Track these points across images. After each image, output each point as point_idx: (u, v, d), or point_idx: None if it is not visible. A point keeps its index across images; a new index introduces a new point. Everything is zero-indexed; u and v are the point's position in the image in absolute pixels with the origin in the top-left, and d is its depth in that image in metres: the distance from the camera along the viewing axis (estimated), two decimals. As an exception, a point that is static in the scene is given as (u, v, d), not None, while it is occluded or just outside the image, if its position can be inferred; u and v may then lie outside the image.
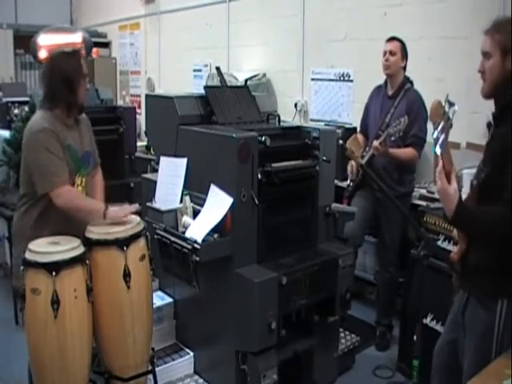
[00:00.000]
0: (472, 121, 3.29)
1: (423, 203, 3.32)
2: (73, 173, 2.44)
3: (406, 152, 3.29)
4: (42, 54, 5.98)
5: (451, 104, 1.69)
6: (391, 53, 3.35)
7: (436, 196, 3.35)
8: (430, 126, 3.30)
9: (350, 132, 3.86)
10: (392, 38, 3.40)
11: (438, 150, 1.70)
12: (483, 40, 1.84)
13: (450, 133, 1.71)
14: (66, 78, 2.40)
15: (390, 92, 3.43)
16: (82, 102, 2.49)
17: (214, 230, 2.44)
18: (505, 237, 1.71)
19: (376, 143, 3.20)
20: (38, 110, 2.51)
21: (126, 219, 2.41)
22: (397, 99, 3.36)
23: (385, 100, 3.44)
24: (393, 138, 3.17)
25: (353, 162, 3.42)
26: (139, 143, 5.15)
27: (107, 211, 2.36)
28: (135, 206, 2.51)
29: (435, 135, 1.69)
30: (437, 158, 1.80)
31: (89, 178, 2.60)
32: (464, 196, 1.89)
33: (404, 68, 3.40)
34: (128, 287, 2.29)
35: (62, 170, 2.34)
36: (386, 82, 3.48)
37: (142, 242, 2.41)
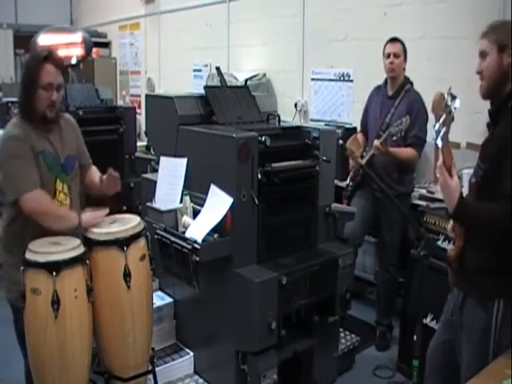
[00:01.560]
0: (472, 121, 3.29)
1: (423, 203, 3.33)
2: (50, 179, 2.31)
3: (407, 152, 3.29)
4: (42, 54, 5.98)
5: (453, 97, 1.68)
6: (395, 55, 3.32)
7: (436, 196, 3.36)
8: (429, 126, 3.33)
9: (350, 132, 3.86)
10: (394, 40, 3.38)
11: (440, 143, 1.70)
12: (480, 42, 1.86)
13: (450, 127, 1.70)
14: (21, 89, 2.30)
15: (390, 92, 3.43)
16: (41, 114, 2.28)
17: (214, 230, 2.44)
18: (504, 232, 1.71)
19: (377, 143, 3.20)
20: (14, 116, 2.38)
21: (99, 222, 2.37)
22: (397, 99, 3.36)
23: (385, 100, 3.45)
24: (394, 138, 3.17)
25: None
26: (139, 143, 5.14)
27: (81, 220, 2.28)
28: (105, 211, 2.41)
29: (437, 127, 1.69)
30: (437, 153, 1.80)
31: (74, 184, 2.45)
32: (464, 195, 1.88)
33: (404, 69, 3.41)
34: (128, 287, 2.29)
35: (30, 176, 2.23)
36: (385, 82, 3.48)
37: (142, 241, 2.40)
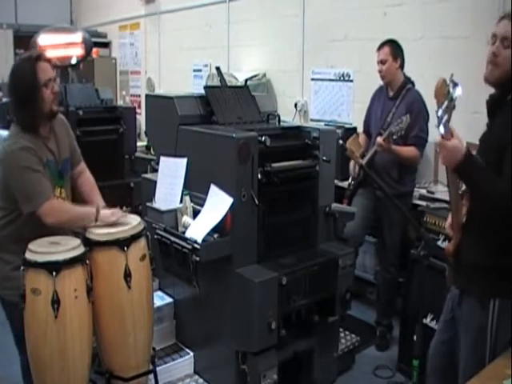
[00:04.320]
0: (472, 121, 3.29)
1: (423, 203, 3.32)
2: (52, 187, 2.34)
3: (409, 150, 3.29)
4: (42, 54, 5.98)
5: (455, 84, 1.66)
6: (382, 62, 3.37)
7: (436, 196, 3.36)
8: (430, 126, 3.33)
9: (350, 132, 3.87)
10: (381, 46, 3.41)
11: (442, 130, 1.68)
12: (504, 24, 1.77)
13: (452, 115, 1.68)
14: (19, 96, 2.30)
15: (391, 93, 3.44)
16: (48, 111, 2.31)
17: (214, 229, 2.44)
18: (503, 218, 1.70)
19: (380, 139, 3.20)
20: (13, 125, 2.34)
21: (116, 220, 2.38)
22: (398, 99, 3.37)
23: (386, 101, 3.45)
24: (394, 137, 3.17)
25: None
26: (139, 143, 5.14)
27: (98, 215, 2.33)
28: (125, 214, 2.45)
29: (439, 113, 1.66)
30: (437, 153, 1.79)
31: (67, 186, 2.48)
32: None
33: (401, 67, 3.40)
34: (129, 287, 2.29)
35: (46, 187, 2.26)
36: (385, 84, 3.49)
37: (142, 242, 2.41)
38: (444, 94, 1.65)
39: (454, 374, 1.97)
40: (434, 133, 3.33)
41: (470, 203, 1.88)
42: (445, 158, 1.72)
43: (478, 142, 1.97)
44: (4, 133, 4.37)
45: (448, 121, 1.67)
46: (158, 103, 3.10)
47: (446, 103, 1.65)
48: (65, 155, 2.46)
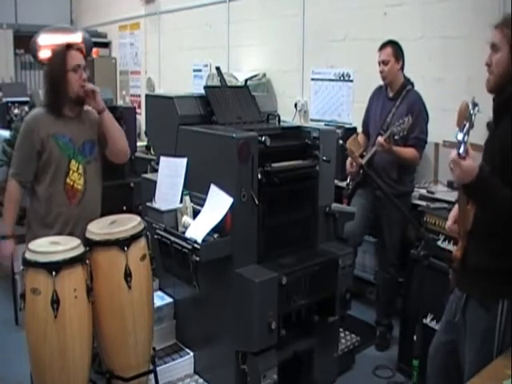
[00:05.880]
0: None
1: (423, 203, 3.32)
2: (63, 159, 2.55)
3: (409, 151, 3.29)
4: (42, 54, 6.00)
5: (475, 105, 1.65)
6: (384, 62, 3.36)
7: (436, 196, 3.36)
8: (430, 126, 3.33)
9: (350, 132, 3.87)
10: (383, 46, 3.41)
11: (462, 151, 1.65)
12: (493, 33, 1.81)
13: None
14: (49, 79, 2.57)
15: (391, 94, 3.44)
16: (74, 95, 2.55)
17: (214, 229, 2.44)
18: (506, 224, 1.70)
19: (381, 140, 3.20)
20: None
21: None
22: (398, 100, 3.36)
23: (385, 101, 3.45)
24: (396, 137, 3.17)
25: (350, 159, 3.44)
26: (139, 143, 5.14)
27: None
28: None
29: (460, 137, 1.64)
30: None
31: (91, 167, 2.65)
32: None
33: (402, 68, 3.40)
34: (129, 287, 2.29)
35: (18, 165, 2.56)
36: (386, 84, 3.49)
37: (142, 242, 2.41)
38: (466, 117, 1.64)
39: (456, 374, 1.96)
40: (434, 133, 3.36)
41: (476, 209, 1.88)
42: (457, 176, 1.71)
43: (477, 142, 1.97)
44: (4, 133, 4.38)
45: (467, 141, 1.65)
46: (157, 103, 3.10)
47: (467, 125, 1.63)
48: (87, 137, 2.65)
